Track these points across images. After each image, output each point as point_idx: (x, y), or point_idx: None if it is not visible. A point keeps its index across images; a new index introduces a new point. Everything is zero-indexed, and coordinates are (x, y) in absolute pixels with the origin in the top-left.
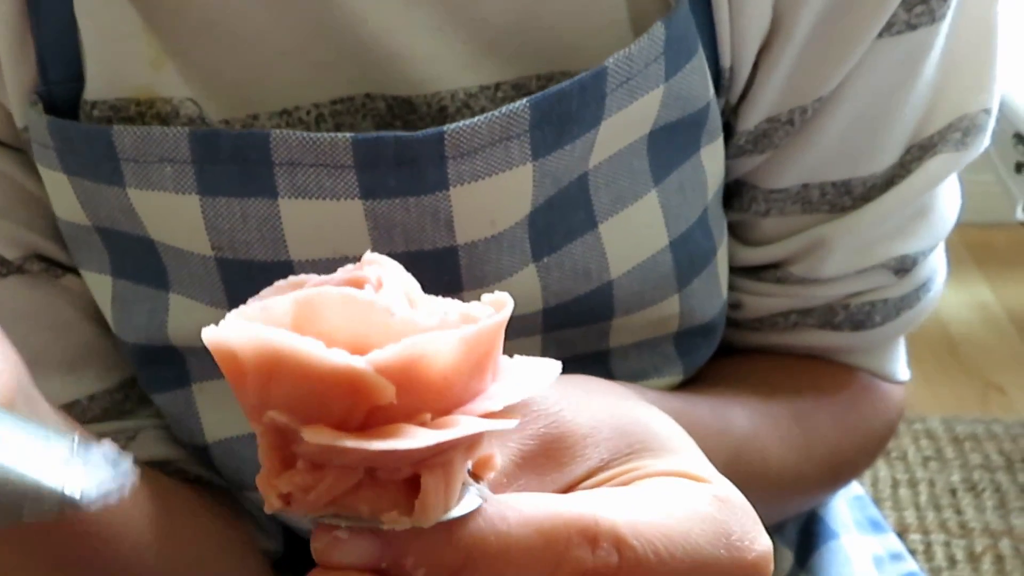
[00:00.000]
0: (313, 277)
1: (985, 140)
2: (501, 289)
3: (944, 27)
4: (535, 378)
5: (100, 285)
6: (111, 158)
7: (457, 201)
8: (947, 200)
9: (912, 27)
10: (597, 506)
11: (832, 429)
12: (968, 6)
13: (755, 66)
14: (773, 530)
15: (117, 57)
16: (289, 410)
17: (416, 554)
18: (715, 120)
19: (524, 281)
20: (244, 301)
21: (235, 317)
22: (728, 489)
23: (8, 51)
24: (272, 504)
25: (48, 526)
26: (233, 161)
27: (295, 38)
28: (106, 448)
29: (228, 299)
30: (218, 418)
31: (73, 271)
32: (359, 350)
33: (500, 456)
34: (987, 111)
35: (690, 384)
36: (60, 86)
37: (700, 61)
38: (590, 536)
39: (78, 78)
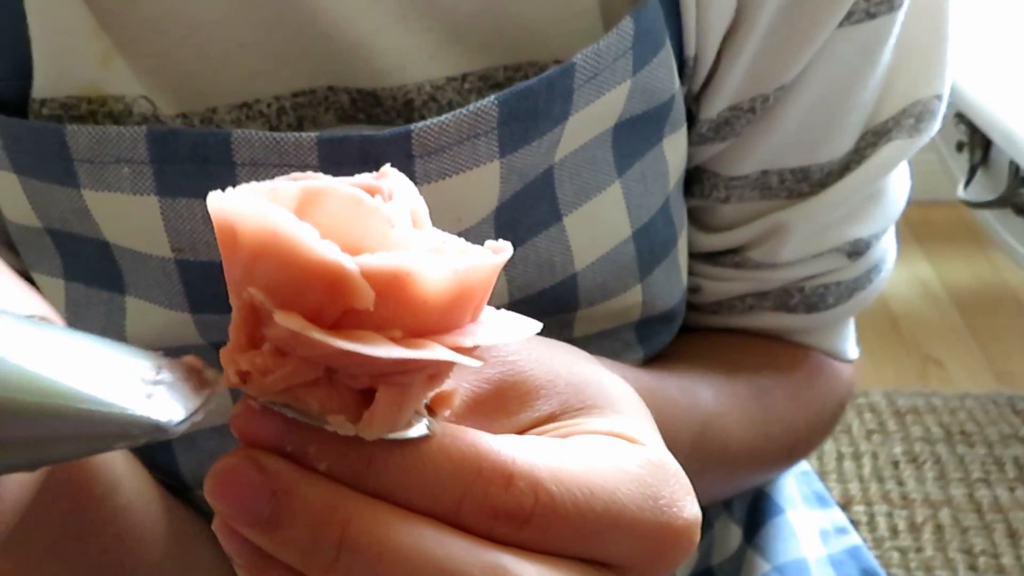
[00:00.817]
0: (328, 177)
1: (936, 125)
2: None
3: (901, 15)
4: (513, 328)
5: (52, 288)
6: (64, 158)
7: (424, 199)
8: (898, 184)
9: (871, 16)
10: (519, 448)
11: (788, 407)
12: None
13: (718, 55)
14: (722, 507)
15: (65, 54)
16: (268, 291)
17: (320, 443)
18: (679, 110)
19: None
20: (206, 303)
21: (244, 190)
22: (662, 454)
23: None
24: (230, 379)
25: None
26: (193, 161)
27: (254, 29)
28: (191, 361)
29: (189, 301)
30: None
31: (27, 275)
32: (351, 252)
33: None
34: (939, 97)
35: (653, 361)
36: (7, 83)
37: (667, 54)
38: (504, 473)
39: (26, 75)
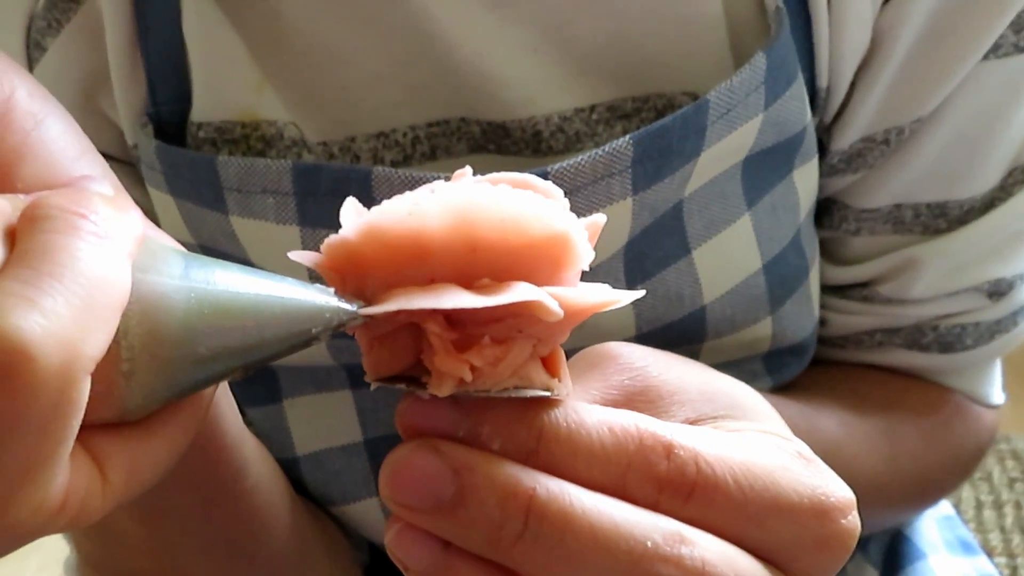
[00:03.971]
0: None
1: None
2: (596, 318)
3: None
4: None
5: None
6: (215, 186)
7: None
8: None
9: (1021, 49)
10: (681, 429)
11: (920, 446)
12: None
13: (852, 85)
14: (857, 548)
15: (222, 80)
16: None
17: (492, 424)
18: (810, 142)
19: (618, 310)
20: None
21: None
22: (811, 453)
23: (119, 73)
24: (450, 384)
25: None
26: (334, 195)
27: (392, 62)
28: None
29: None
30: (307, 432)
31: None
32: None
33: (581, 400)
34: None
35: (777, 391)
36: (168, 107)
37: (799, 86)
38: (665, 443)
39: (185, 99)
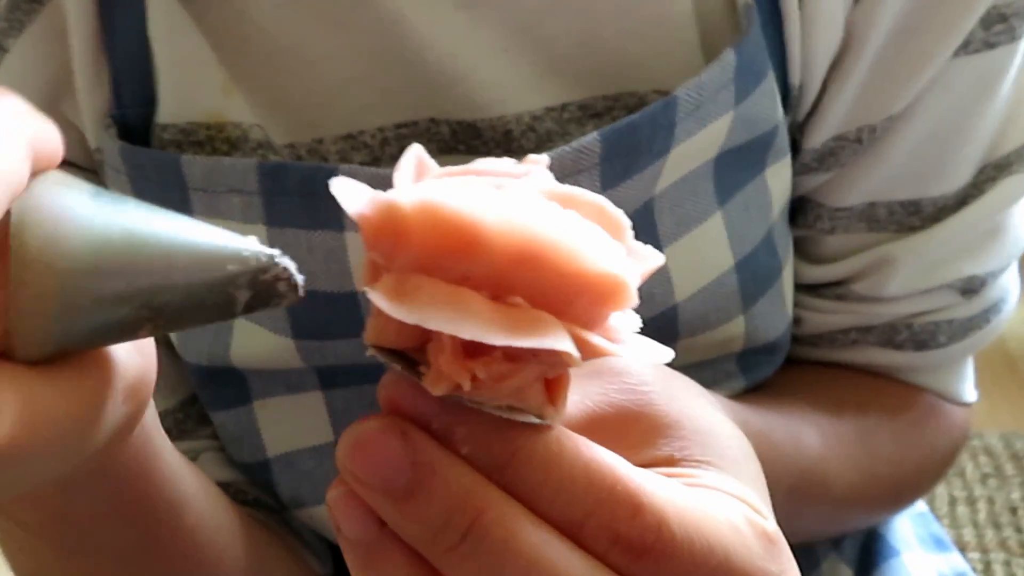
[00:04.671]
0: (535, 169)
1: None
2: None
3: (1022, 45)
4: (648, 351)
5: None
6: (180, 186)
7: None
8: (1021, 220)
9: (990, 46)
10: (652, 481)
11: (895, 449)
12: None
13: (824, 84)
14: (831, 545)
15: (189, 82)
16: (530, 297)
17: (469, 428)
18: (783, 140)
19: None
20: (308, 329)
21: (456, 187)
22: (778, 531)
23: (83, 74)
24: (445, 387)
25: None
26: (300, 193)
27: (361, 63)
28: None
29: (292, 328)
30: (278, 433)
31: None
32: None
33: (574, 408)
34: None
35: (757, 391)
36: (133, 110)
37: (770, 83)
38: (635, 502)
39: (151, 102)
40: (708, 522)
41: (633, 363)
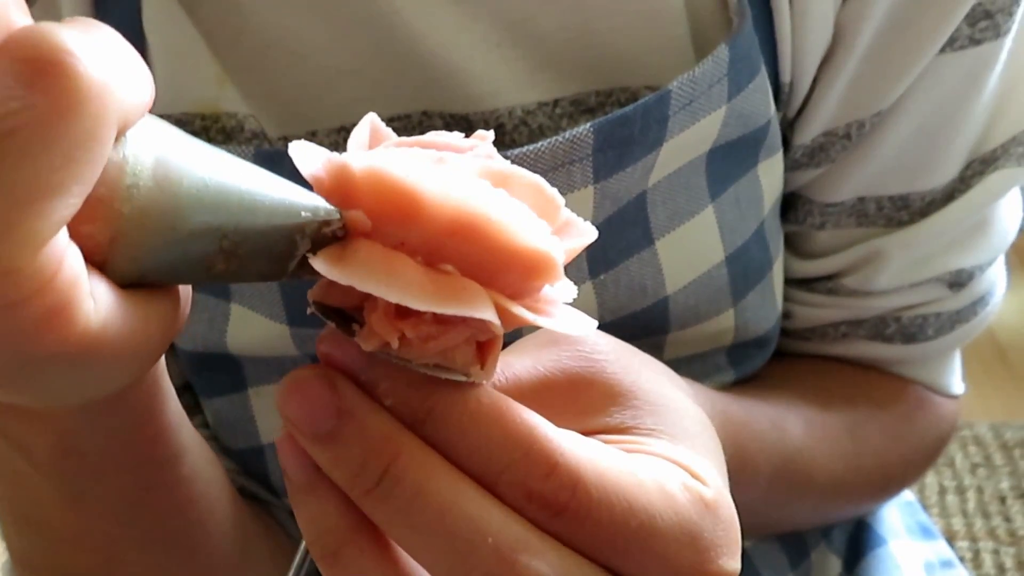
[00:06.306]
0: (455, 135)
1: None
2: None
3: (1008, 42)
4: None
5: None
6: None
7: None
8: (1007, 213)
9: (976, 42)
10: (572, 443)
11: (882, 441)
12: None
13: (814, 81)
14: (820, 536)
15: (183, 73)
16: (460, 267)
17: (392, 383)
18: (775, 135)
19: (580, 298)
20: (303, 317)
21: (403, 156)
22: (719, 497)
23: None
24: (391, 343)
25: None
26: (297, 181)
27: (354, 57)
28: None
29: (287, 314)
30: (273, 421)
31: None
32: None
33: (525, 372)
34: None
35: (746, 383)
36: None
37: (762, 79)
38: (549, 462)
39: None
40: (630, 485)
41: (590, 334)
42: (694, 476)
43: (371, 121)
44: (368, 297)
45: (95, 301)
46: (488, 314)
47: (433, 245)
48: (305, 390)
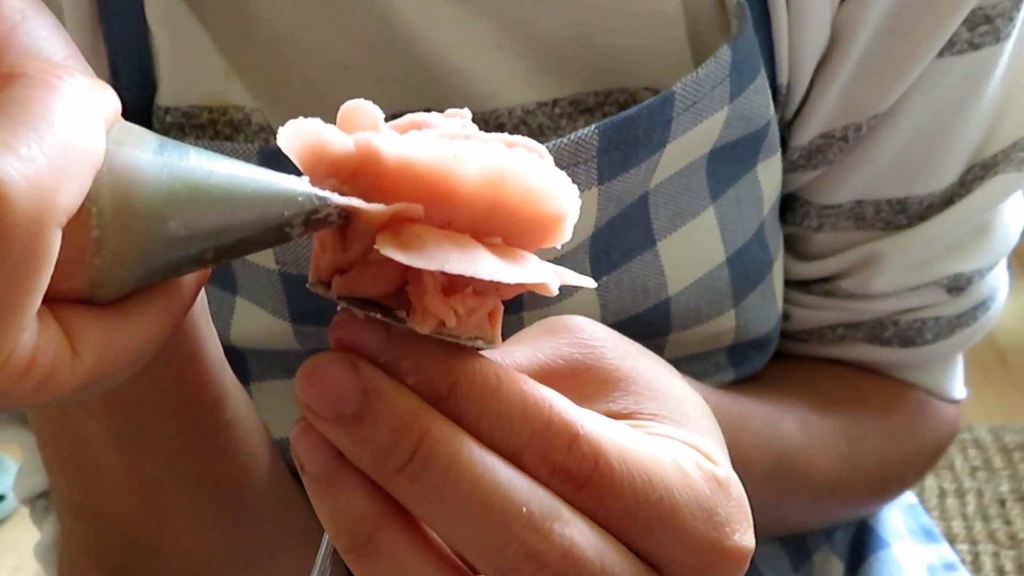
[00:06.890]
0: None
1: None
2: (561, 309)
3: (1008, 47)
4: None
5: None
6: None
7: None
8: (1009, 218)
9: (975, 47)
10: (591, 418)
11: (882, 444)
12: None
13: (811, 83)
14: (823, 538)
15: (190, 65)
16: (505, 236)
17: (412, 360)
18: (774, 136)
19: (583, 300)
20: (306, 315)
21: (420, 138)
22: (729, 475)
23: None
24: (431, 324)
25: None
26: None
27: (357, 54)
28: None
29: (290, 311)
30: (277, 418)
31: None
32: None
33: (525, 360)
34: None
35: (744, 383)
36: (132, 92)
37: (763, 81)
38: (571, 433)
39: (150, 84)
40: (649, 460)
41: (587, 323)
42: (705, 455)
43: (365, 105)
44: (407, 282)
45: (81, 354)
46: (550, 277)
47: (478, 221)
48: (324, 374)
